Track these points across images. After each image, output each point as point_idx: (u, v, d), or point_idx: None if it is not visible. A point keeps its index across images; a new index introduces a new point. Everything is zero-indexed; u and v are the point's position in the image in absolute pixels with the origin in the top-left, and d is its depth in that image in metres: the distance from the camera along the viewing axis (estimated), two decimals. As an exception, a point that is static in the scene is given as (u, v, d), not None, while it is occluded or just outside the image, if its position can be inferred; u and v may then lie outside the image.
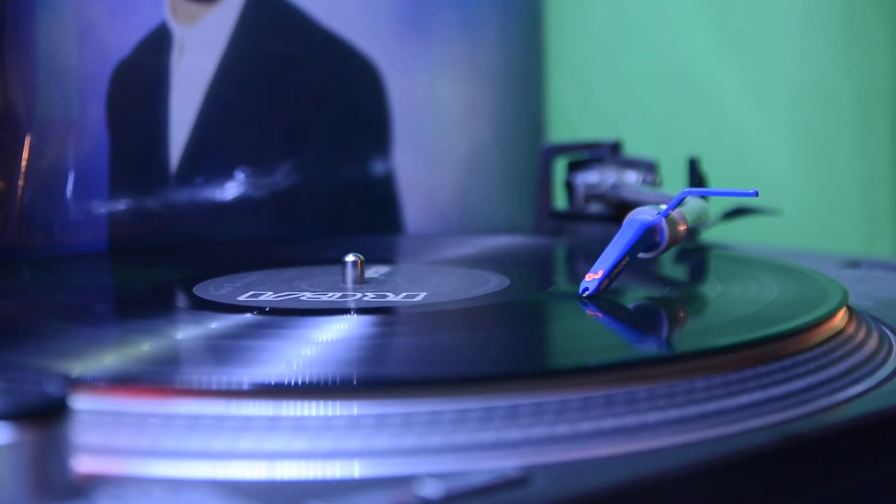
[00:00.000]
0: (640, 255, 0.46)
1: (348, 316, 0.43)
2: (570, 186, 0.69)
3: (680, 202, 0.46)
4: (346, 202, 0.71)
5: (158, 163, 0.64)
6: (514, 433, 0.31)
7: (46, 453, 0.28)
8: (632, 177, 0.67)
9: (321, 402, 0.31)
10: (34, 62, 0.59)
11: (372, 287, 0.47)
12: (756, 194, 0.44)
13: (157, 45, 0.64)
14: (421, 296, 0.46)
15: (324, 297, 0.45)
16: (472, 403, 0.32)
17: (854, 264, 0.59)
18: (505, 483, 0.29)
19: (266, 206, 0.68)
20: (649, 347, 0.40)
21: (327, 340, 0.39)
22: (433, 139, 0.75)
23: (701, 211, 0.52)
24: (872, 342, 0.41)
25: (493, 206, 0.78)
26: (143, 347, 0.38)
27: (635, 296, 0.47)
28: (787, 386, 0.35)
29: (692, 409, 0.33)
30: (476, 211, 0.77)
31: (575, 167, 0.69)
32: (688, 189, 0.48)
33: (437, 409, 0.31)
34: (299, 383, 0.32)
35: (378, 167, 0.72)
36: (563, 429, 0.31)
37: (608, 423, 0.32)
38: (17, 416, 0.27)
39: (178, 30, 0.65)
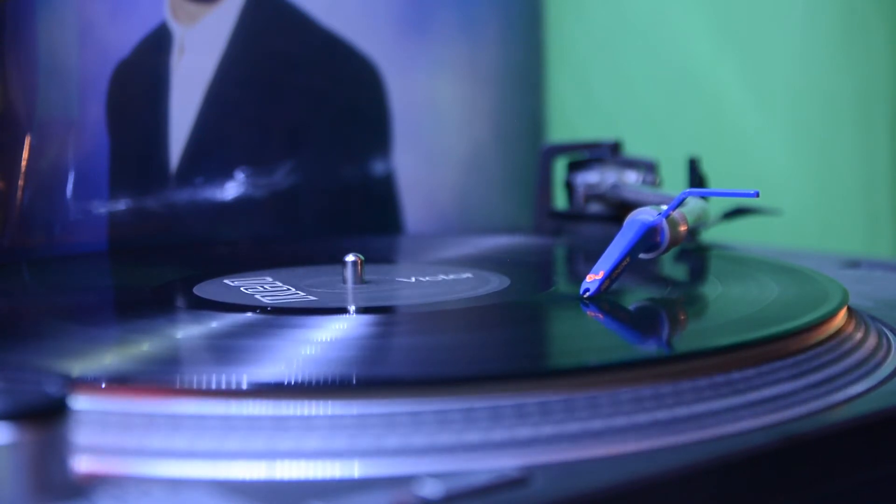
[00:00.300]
0: (641, 255, 0.46)
1: (348, 316, 0.43)
2: (570, 186, 0.69)
3: (681, 202, 0.46)
4: (346, 202, 0.71)
5: (158, 163, 0.64)
6: (514, 433, 0.31)
7: (46, 453, 0.28)
8: (632, 177, 0.67)
9: (321, 402, 0.31)
10: (34, 62, 0.59)
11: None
12: (756, 195, 0.44)
13: (157, 45, 0.64)
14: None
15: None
16: (472, 403, 0.32)
17: (854, 264, 0.59)
18: (505, 483, 0.29)
19: (266, 206, 0.68)
20: (650, 348, 0.40)
21: (327, 340, 0.39)
22: (433, 139, 0.75)
23: (701, 211, 0.52)
24: (872, 342, 0.41)
25: (493, 206, 0.78)
26: (143, 347, 0.38)
27: (636, 296, 0.47)
28: (787, 386, 0.35)
29: (692, 409, 0.33)
30: (476, 211, 0.77)
31: (575, 167, 0.69)
32: (689, 189, 0.48)
33: (437, 409, 0.31)
34: (299, 383, 0.32)
35: (378, 167, 0.72)
36: (563, 429, 0.31)
37: (608, 422, 0.32)
38: (17, 416, 0.27)
39: (178, 30, 0.65)
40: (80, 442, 0.29)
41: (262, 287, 0.48)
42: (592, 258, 0.45)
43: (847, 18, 0.78)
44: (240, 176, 0.67)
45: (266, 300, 0.45)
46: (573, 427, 0.32)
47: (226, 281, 0.49)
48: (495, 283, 0.48)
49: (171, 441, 0.31)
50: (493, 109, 0.78)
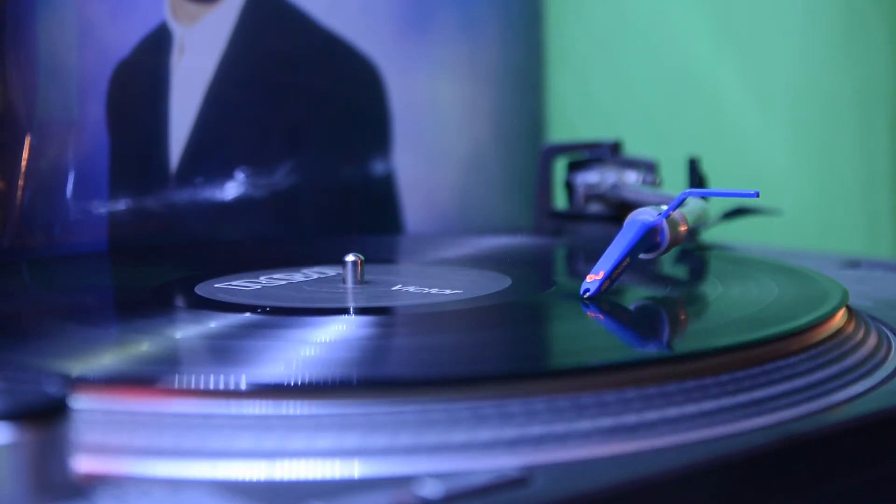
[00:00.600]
0: (641, 255, 0.46)
1: (348, 316, 0.43)
2: (570, 186, 0.69)
3: (681, 203, 0.46)
4: (346, 202, 0.71)
5: (158, 163, 0.64)
6: (513, 433, 0.31)
7: (46, 453, 0.28)
8: (632, 177, 0.67)
9: (321, 402, 0.31)
10: (34, 62, 0.59)
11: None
12: (756, 195, 0.44)
13: (157, 45, 0.64)
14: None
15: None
16: (473, 403, 0.32)
17: (854, 264, 0.59)
18: (505, 483, 0.29)
19: (266, 206, 0.68)
20: (650, 348, 0.40)
21: (327, 340, 0.39)
22: (433, 139, 0.75)
23: (701, 211, 0.52)
24: (872, 342, 0.41)
25: (493, 206, 0.78)
26: (143, 347, 0.38)
27: (636, 296, 0.47)
28: (787, 386, 0.35)
29: (692, 409, 0.33)
30: (476, 211, 0.77)
31: (575, 167, 0.69)
32: (689, 190, 0.48)
33: (437, 409, 0.31)
34: (299, 383, 0.32)
35: (378, 167, 0.72)
36: (563, 429, 0.31)
37: (608, 422, 0.32)
38: (17, 416, 0.27)
39: (178, 30, 0.65)
40: (79, 442, 0.29)
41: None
42: (592, 258, 0.45)
43: (847, 18, 0.78)
44: (240, 176, 0.67)
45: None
46: (573, 427, 0.32)
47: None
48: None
49: (171, 441, 0.31)
50: (493, 109, 0.78)
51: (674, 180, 0.68)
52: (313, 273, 0.50)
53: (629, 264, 0.44)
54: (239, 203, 0.67)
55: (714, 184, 0.65)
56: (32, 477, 0.27)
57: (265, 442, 0.31)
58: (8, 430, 0.27)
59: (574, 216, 0.69)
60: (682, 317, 0.45)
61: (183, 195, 0.65)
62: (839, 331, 0.40)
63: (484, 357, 0.37)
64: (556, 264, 0.62)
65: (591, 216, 0.68)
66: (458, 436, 0.31)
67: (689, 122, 0.80)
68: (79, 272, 0.57)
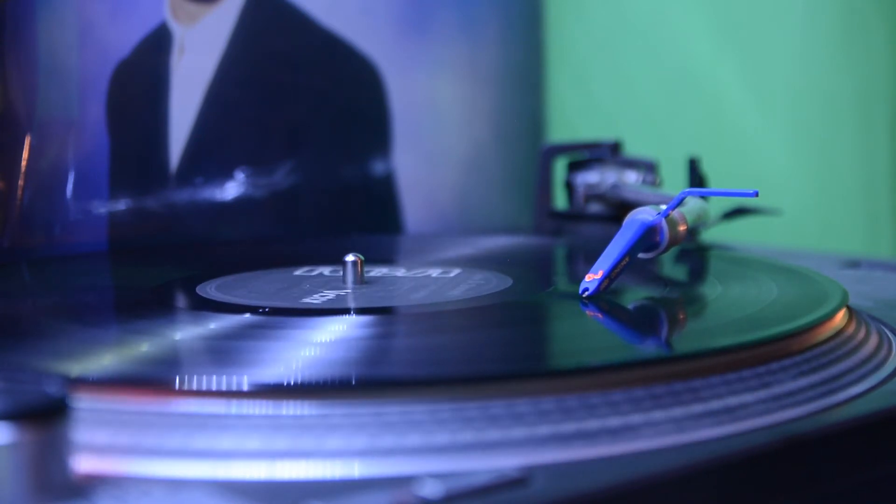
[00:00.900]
0: (640, 255, 0.46)
1: (348, 316, 0.43)
2: (570, 186, 0.69)
3: (680, 202, 0.46)
4: (346, 202, 0.71)
5: (158, 163, 0.64)
6: (513, 433, 0.31)
7: (46, 453, 0.28)
8: (632, 177, 0.67)
9: (321, 403, 0.31)
10: (34, 62, 0.59)
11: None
12: (756, 194, 0.44)
13: (157, 45, 0.64)
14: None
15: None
16: (472, 403, 0.32)
17: (854, 264, 0.59)
18: (505, 483, 0.29)
19: (266, 206, 0.68)
20: (649, 348, 0.40)
21: (327, 340, 0.39)
22: (433, 139, 0.75)
23: (701, 211, 0.52)
24: (872, 342, 0.41)
25: (493, 206, 0.78)
26: (143, 347, 0.38)
27: (635, 296, 0.47)
28: (787, 386, 0.35)
29: (692, 409, 0.33)
30: (476, 211, 0.77)
31: (575, 167, 0.69)
32: (688, 189, 0.48)
33: (437, 409, 0.31)
34: (299, 383, 0.32)
35: (378, 167, 0.72)
36: (563, 429, 0.31)
37: (608, 423, 0.32)
38: (17, 416, 0.27)
39: (178, 30, 0.65)
40: (79, 442, 0.29)
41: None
42: (592, 258, 0.45)
43: (847, 18, 0.78)
44: (240, 176, 0.67)
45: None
46: (573, 427, 0.32)
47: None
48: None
49: (171, 441, 0.31)
50: (493, 109, 0.78)
51: (674, 180, 0.68)
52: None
53: (628, 264, 0.44)
54: (239, 203, 0.67)
55: (714, 184, 0.65)
56: (32, 477, 0.27)
57: (265, 442, 0.31)
58: (8, 430, 0.27)
59: (574, 216, 0.69)
60: (682, 317, 0.45)
61: (183, 195, 0.65)
62: (839, 331, 0.40)
63: (484, 357, 0.37)
64: (556, 264, 0.62)
65: (591, 216, 0.68)
66: (458, 436, 0.31)
67: (689, 122, 0.80)
68: (79, 272, 0.57)
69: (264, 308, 0.43)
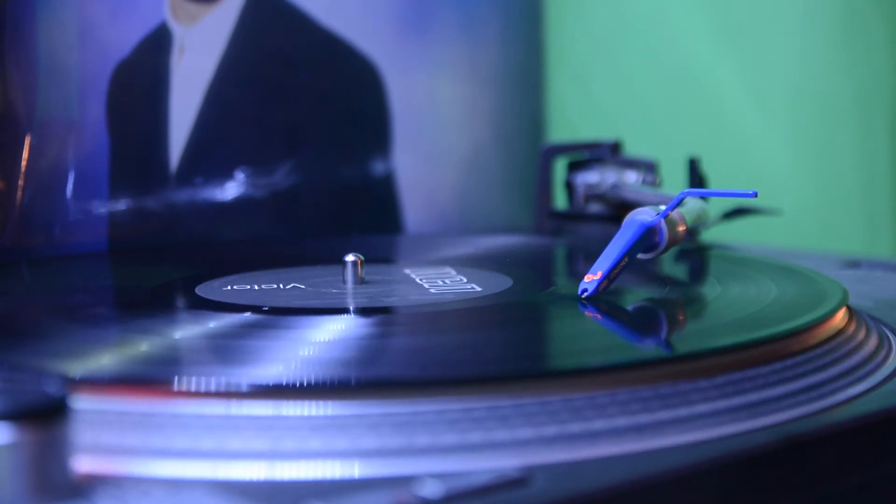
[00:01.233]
0: (640, 255, 0.46)
1: (348, 316, 0.43)
2: (570, 186, 0.69)
3: (679, 202, 0.46)
4: (346, 202, 0.71)
5: (158, 163, 0.64)
6: (514, 433, 0.31)
7: (46, 453, 0.28)
8: (632, 177, 0.67)
9: (321, 403, 0.31)
10: (34, 62, 0.59)
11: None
12: (756, 195, 0.44)
13: (157, 45, 0.64)
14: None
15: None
16: (472, 404, 0.32)
17: (854, 264, 0.59)
18: (505, 483, 0.29)
19: (266, 206, 0.68)
20: (649, 348, 0.40)
21: (327, 340, 0.39)
22: (433, 139, 0.75)
23: (701, 211, 0.52)
24: (872, 342, 0.41)
25: (493, 206, 0.78)
26: (143, 347, 0.38)
27: (635, 296, 0.47)
28: (787, 386, 0.35)
29: (692, 409, 0.33)
30: (476, 211, 0.77)
31: (575, 167, 0.69)
32: (687, 189, 0.48)
33: (437, 410, 0.31)
34: (299, 383, 0.32)
35: (378, 167, 0.72)
36: (563, 429, 0.31)
37: (608, 423, 0.32)
38: (17, 416, 0.27)
39: (178, 30, 0.65)
40: (79, 442, 0.29)
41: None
42: (592, 258, 0.45)
43: (847, 18, 0.78)
44: (240, 176, 0.67)
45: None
46: (573, 427, 0.32)
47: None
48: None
49: (171, 441, 0.31)
50: (493, 109, 0.78)
51: (674, 180, 0.68)
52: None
53: (627, 264, 0.44)
54: (239, 203, 0.67)
55: (714, 184, 0.65)
56: (32, 477, 0.27)
57: (265, 442, 0.31)
58: (8, 430, 0.27)
59: (574, 216, 0.69)
60: (681, 317, 0.45)
61: (183, 195, 0.65)
62: (839, 331, 0.40)
63: (484, 357, 0.37)
64: (556, 264, 0.62)
65: (591, 216, 0.68)
66: (458, 436, 0.31)
67: (689, 122, 0.80)
68: (79, 272, 0.57)
69: (264, 308, 0.43)
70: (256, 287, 0.47)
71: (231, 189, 0.67)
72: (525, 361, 0.38)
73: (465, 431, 0.31)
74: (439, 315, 0.43)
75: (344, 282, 0.48)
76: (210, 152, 0.66)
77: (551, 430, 0.31)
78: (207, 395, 0.32)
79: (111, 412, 0.32)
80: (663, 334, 0.42)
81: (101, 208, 0.62)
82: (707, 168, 0.65)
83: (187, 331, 0.41)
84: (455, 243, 0.64)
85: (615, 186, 0.66)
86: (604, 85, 0.83)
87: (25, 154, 0.59)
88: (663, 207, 0.46)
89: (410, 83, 0.73)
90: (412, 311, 0.44)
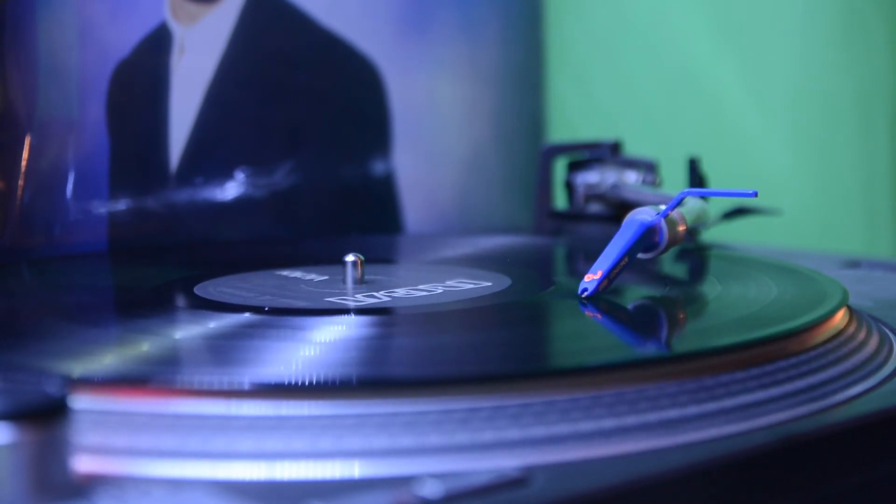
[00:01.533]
0: (640, 255, 0.46)
1: (348, 316, 0.43)
2: (570, 186, 0.69)
3: (679, 202, 0.46)
4: (346, 202, 0.71)
5: (158, 163, 0.65)
6: (514, 433, 0.31)
7: (46, 453, 0.28)
8: (632, 177, 0.67)
9: (321, 402, 0.31)
10: (34, 62, 0.59)
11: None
12: (756, 195, 0.44)
13: (157, 45, 0.64)
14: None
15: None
16: (472, 403, 0.32)
17: (854, 264, 0.59)
18: (505, 483, 0.29)
19: (266, 206, 0.68)
20: (649, 348, 0.40)
21: (327, 340, 0.39)
22: (433, 139, 0.75)
23: (701, 211, 0.52)
24: (873, 342, 0.41)
25: (493, 206, 0.78)
26: (143, 347, 0.38)
27: (635, 296, 0.47)
28: (787, 386, 0.35)
29: (692, 409, 0.33)
30: (476, 211, 0.77)
31: (575, 167, 0.69)
32: (687, 189, 0.48)
33: (437, 409, 0.31)
34: (299, 383, 0.32)
35: (378, 167, 0.72)
36: (563, 429, 0.31)
37: (608, 423, 0.32)
38: (17, 416, 0.27)
39: (178, 30, 0.65)
40: (79, 442, 0.29)
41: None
42: (592, 258, 0.45)
43: (847, 18, 0.78)
44: (240, 176, 0.67)
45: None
46: (573, 427, 0.32)
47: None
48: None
49: (171, 441, 0.31)
50: (493, 109, 0.78)
51: (674, 180, 0.68)
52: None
53: (627, 264, 0.44)
54: (239, 203, 0.67)
55: (714, 184, 0.65)
56: (32, 477, 0.27)
57: (265, 442, 0.31)
58: (8, 430, 0.27)
59: (574, 216, 0.69)
60: (682, 316, 0.45)
61: (183, 195, 0.65)
62: (839, 331, 0.40)
63: (484, 357, 0.37)
64: (555, 264, 0.62)
65: (591, 216, 0.68)
66: (459, 436, 0.31)
67: (689, 122, 0.80)
68: (79, 272, 0.57)
69: (264, 308, 0.43)
70: (256, 287, 0.47)
71: (231, 189, 0.67)
72: (525, 361, 0.38)
73: (465, 431, 0.31)
74: (439, 315, 0.43)
75: (344, 282, 0.48)
76: (210, 152, 0.66)
77: (551, 429, 0.31)
78: (207, 394, 0.32)
79: (111, 412, 0.32)
80: (663, 334, 0.42)
81: (101, 208, 0.62)
82: (707, 168, 0.65)
83: (187, 331, 0.41)
84: (455, 243, 0.64)
85: (615, 186, 0.66)
86: (604, 85, 0.83)
87: (25, 154, 0.59)
88: (663, 207, 0.46)
89: (410, 83, 0.73)
90: (412, 312, 0.44)
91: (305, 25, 0.69)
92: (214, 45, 0.66)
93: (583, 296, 0.43)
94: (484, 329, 0.42)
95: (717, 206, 0.65)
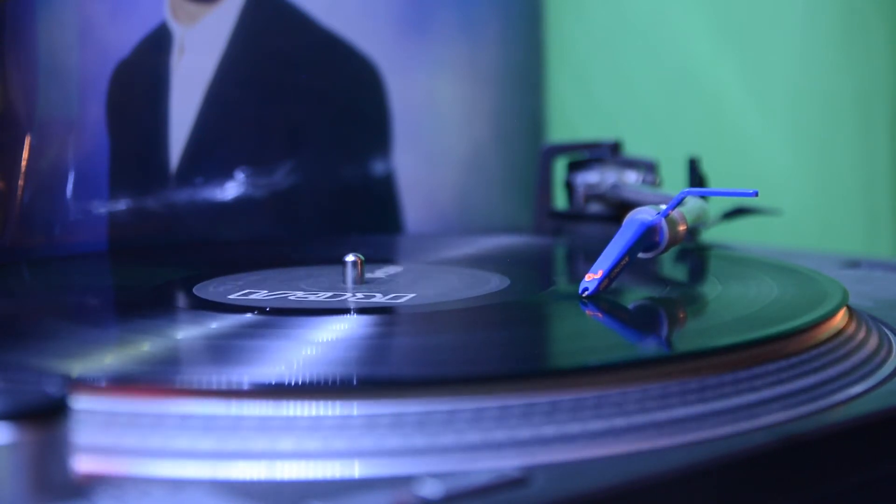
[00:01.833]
0: (640, 255, 0.46)
1: (348, 316, 0.43)
2: (570, 186, 0.69)
3: (680, 202, 0.47)
4: (346, 202, 0.71)
5: (158, 163, 0.64)
6: (513, 433, 0.31)
7: (46, 453, 0.28)
8: (632, 177, 0.67)
9: (321, 402, 0.31)
10: (34, 62, 0.59)
11: (372, 287, 0.47)
12: (756, 194, 0.44)
13: (157, 45, 0.64)
14: (420, 296, 0.46)
15: (324, 297, 0.45)
16: (472, 403, 0.32)
17: (854, 264, 0.59)
18: (505, 483, 0.29)
19: (266, 206, 0.68)
20: (649, 347, 0.40)
21: (327, 340, 0.39)
22: (433, 139, 0.75)
23: (701, 211, 0.52)
24: (872, 342, 0.41)
25: (493, 206, 0.78)
26: (143, 347, 0.38)
27: (635, 296, 0.47)
28: (787, 386, 0.35)
29: (692, 409, 0.33)
30: (476, 211, 0.77)
31: (575, 167, 0.69)
32: (688, 189, 0.48)
33: (437, 409, 0.31)
34: (299, 383, 0.32)
35: (378, 167, 0.72)
36: (562, 429, 0.31)
37: (608, 423, 0.32)
38: (17, 416, 0.27)
39: (178, 30, 0.65)
40: (79, 442, 0.29)
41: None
42: (592, 258, 0.45)
43: (847, 18, 0.78)
44: (240, 176, 0.67)
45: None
46: (573, 427, 0.32)
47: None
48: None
49: (171, 441, 0.31)
50: (493, 109, 0.78)
51: (674, 180, 0.68)
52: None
53: (628, 263, 0.44)
54: (239, 203, 0.67)
55: (714, 184, 0.65)
56: (32, 477, 0.27)
57: (265, 442, 0.31)
58: (8, 430, 0.27)
59: (574, 216, 0.69)
60: (682, 316, 0.45)
61: (183, 195, 0.65)
62: (839, 331, 0.40)
63: (483, 357, 0.37)
64: (555, 264, 0.62)
65: (591, 216, 0.68)
66: (458, 436, 0.31)
67: (689, 122, 0.80)
68: (79, 272, 0.57)
69: (264, 308, 0.43)
70: (256, 287, 0.47)
71: (231, 189, 0.67)
72: (525, 361, 0.38)
73: (465, 431, 0.31)
74: (439, 315, 0.43)
75: (344, 282, 0.48)
76: (210, 152, 0.66)
77: (551, 429, 0.31)
78: (207, 394, 0.32)
79: (111, 412, 0.32)
80: (664, 333, 0.42)
81: (101, 208, 0.62)
82: (707, 168, 0.65)
83: (187, 331, 0.41)
84: (455, 243, 0.64)
85: (615, 186, 0.66)
86: (604, 85, 0.83)
87: (25, 154, 0.59)
88: (664, 207, 0.46)
89: (410, 83, 0.73)
90: (412, 311, 0.44)
91: (305, 25, 0.69)
92: (214, 45, 0.66)
93: (583, 295, 0.43)
94: (484, 329, 0.42)
95: (717, 206, 0.65)
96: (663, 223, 0.46)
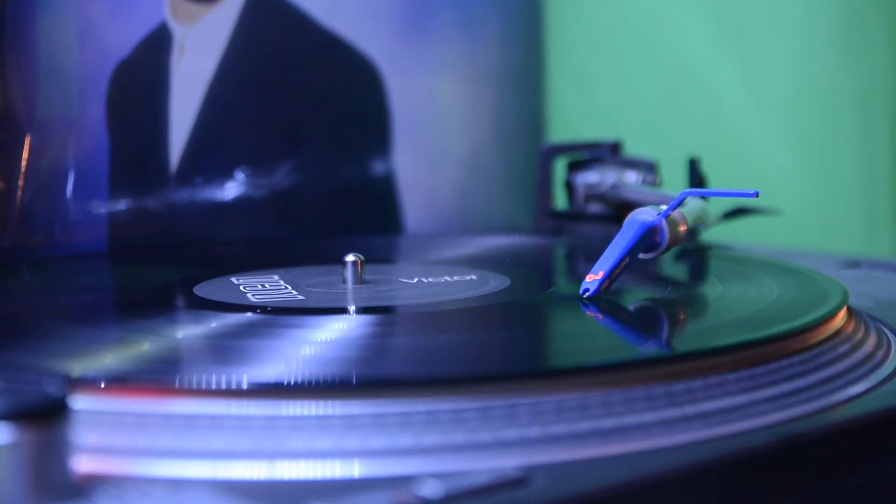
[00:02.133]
0: (641, 255, 0.46)
1: (348, 315, 0.43)
2: (570, 186, 0.69)
3: (680, 202, 0.46)
4: (346, 202, 0.71)
5: (158, 163, 0.64)
6: (513, 433, 0.31)
7: (46, 453, 0.28)
8: (632, 177, 0.67)
9: (321, 402, 0.31)
10: (34, 62, 0.59)
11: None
12: (756, 195, 0.44)
13: (157, 45, 0.64)
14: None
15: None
16: (472, 403, 0.32)
17: (854, 264, 0.59)
18: (505, 483, 0.29)
19: (266, 206, 0.68)
20: (649, 348, 0.40)
21: (327, 340, 0.39)
22: (433, 139, 0.75)
23: (701, 211, 0.52)
24: (872, 342, 0.41)
25: (493, 206, 0.78)
26: (143, 347, 0.38)
27: (636, 296, 0.47)
28: (787, 386, 0.35)
29: (692, 409, 0.33)
30: (476, 211, 0.77)
31: (575, 167, 0.69)
32: (688, 189, 0.48)
33: (437, 409, 0.31)
34: (299, 383, 0.32)
35: (378, 167, 0.72)
36: (562, 429, 0.31)
37: (608, 423, 0.32)
38: (17, 416, 0.27)
39: (178, 30, 0.65)
40: (79, 442, 0.29)
41: (261, 287, 0.48)
42: (592, 258, 0.45)
43: (847, 18, 0.78)
44: (240, 176, 0.67)
45: (266, 300, 0.45)
46: (573, 427, 0.32)
47: (226, 281, 0.49)
48: (495, 283, 0.48)
49: (171, 441, 0.31)
50: (493, 109, 0.78)
51: (674, 180, 0.68)
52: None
53: (629, 264, 0.44)
54: (239, 203, 0.67)
55: (714, 184, 0.65)
56: (32, 477, 0.27)
57: (265, 442, 0.31)
58: (8, 430, 0.27)
59: (574, 216, 0.69)
60: (682, 317, 0.45)
61: (183, 195, 0.65)
62: (839, 331, 0.40)
63: (483, 357, 0.37)
64: (555, 264, 0.62)
65: (591, 216, 0.68)
66: (459, 436, 0.31)
67: (689, 122, 0.80)
68: (79, 272, 0.57)
69: (264, 308, 0.43)
70: (256, 287, 0.47)
71: (231, 189, 0.67)
72: (526, 361, 0.38)
73: (465, 431, 0.31)
74: (439, 315, 0.43)
75: (344, 282, 0.48)
76: (210, 152, 0.66)
77: (551, 429, 0.31)
78: (207, 394, 0.32)
79: (111, 412, 0.32)
80: (664, 334, 0.42)
81: (101, 208, 0.62)
82: (707, 168, 0.65)
83: (187, 331, 0.41)
84: (455, 243, 0.64)
85: (615, 186, 0.66)
86: (604, 85, 0.83)
87: (25, 154, 0.59)
88: (664, 207, 0.46)
89: (410, 83, 0.73)
90: (412, 311, 0.44)
91: (305, 25, 0.69)
92: (214, 45, 0.66)
93: (584, 296, 0.43)
94: (484, 329, 0.42)
95: (718, 206, 0.65)
96: (664, 224, 0.46)
